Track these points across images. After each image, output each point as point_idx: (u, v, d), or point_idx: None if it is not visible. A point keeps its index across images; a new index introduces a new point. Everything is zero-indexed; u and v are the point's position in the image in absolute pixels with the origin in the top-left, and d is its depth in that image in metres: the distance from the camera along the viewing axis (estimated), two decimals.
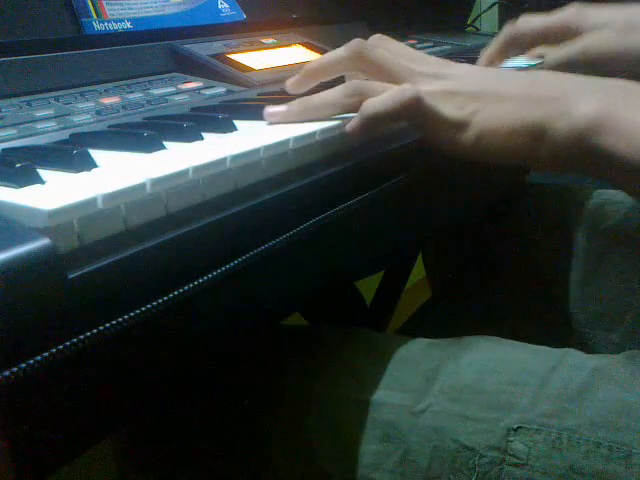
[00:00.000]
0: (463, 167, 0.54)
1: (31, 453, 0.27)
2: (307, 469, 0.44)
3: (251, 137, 0.40)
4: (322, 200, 0.38)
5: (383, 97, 0.41)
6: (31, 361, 0.24)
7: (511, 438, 0.39)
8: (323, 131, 0.41)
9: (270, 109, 0.44)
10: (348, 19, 0.83)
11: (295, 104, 0.44)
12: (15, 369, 0.24)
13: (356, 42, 0.45)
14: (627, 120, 0.37)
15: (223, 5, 0.68)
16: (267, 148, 0.36)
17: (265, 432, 0.46)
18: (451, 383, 0.42)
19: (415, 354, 0.46)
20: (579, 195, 0.73)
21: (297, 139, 0.38)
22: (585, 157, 0.39)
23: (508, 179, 0.75)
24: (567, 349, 0.45)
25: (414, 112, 0.42)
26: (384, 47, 0.47)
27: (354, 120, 0.41)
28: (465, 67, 0.46)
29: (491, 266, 0.78)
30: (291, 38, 0.71)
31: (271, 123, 0.44)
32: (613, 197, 0.69)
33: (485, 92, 0.42)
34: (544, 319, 0.72)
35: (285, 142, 0.38)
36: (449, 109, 0.42)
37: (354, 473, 0.42)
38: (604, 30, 0.56)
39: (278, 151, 0.37)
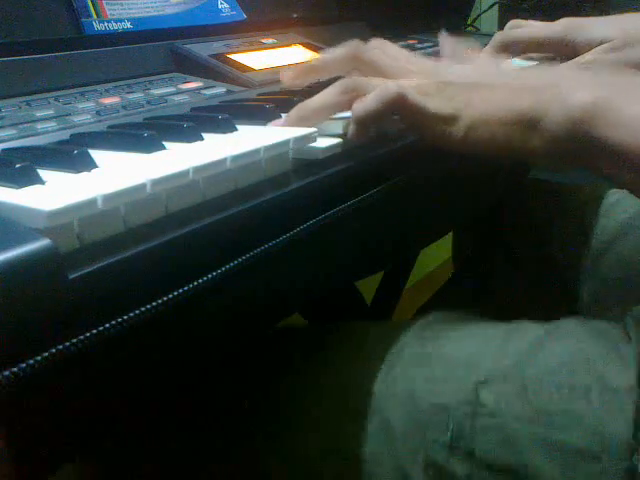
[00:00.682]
0: (463, 167, 0.54)
1: (31, 453, 0.27)
2: (300, 466, 0.45)
3: (251, 137, 0.40)
4: (322, 200, 0.38)
5: (369, 97, 0.42)
6: (31, 361, 0.24)
7: (480, 391, 0.40)
8: (323, 131, 0.41)
9: (271, 124, 0.45)
10: (348, 19, 0.83)
11: (293, 113, 0.44)
12: (15, 369, 0.24)
13: (354, 43, 0.46)
14: (624, 111, 0.36)
15: (223, 5, 0.68)
16: (267, 148, 0.36)
17: (258, 433, 0.46)
18: (418, 352, 0.44)
19: (384, 333, 0.47)
20: (595, 191, 0.73)
21: (297, 139, 0.38)
22: (579, 147, 0.38)
23: (509, 177, 0.76)
24: (521, 320, 0.47)
25: (399, 108, 0.42)
26: (382, 49, 0.47)
27: (351, 126, 0.42)
28: (460, 67, 0.46)
29: (491, 263, 0.78)
30: (291, 38, 0.71)
31: None
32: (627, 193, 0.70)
33: (476, 84, 0.42)
34: (549, 297, 0.72)
35: (285, 142, 0.38)
36: (436, 103, 0.42)
37: (341, 456, 0.43)
38: (597, 49, 0.56)
39: (278, 151, 0.37)
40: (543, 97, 0.39)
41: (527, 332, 0.44)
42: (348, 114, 0.43)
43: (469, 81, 0.42)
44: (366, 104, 0.41)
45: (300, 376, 0.47)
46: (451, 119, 0.41)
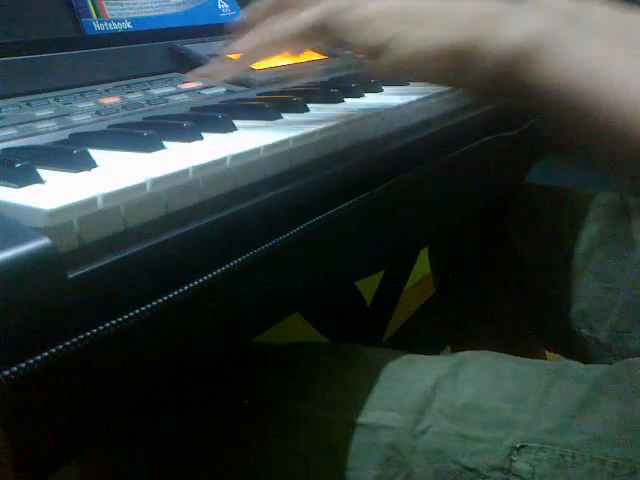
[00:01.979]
0: (462, 167, 0.54)
1: (31, 453, 0.27)
2: None
3: (251, 137, 0.40)
4: (322, 200, 0.38)
5: (291, 21, 0.40)
6: (31, 361, 0.24)
7: (514, 457, 0.38)
8: (322, 131, 0.41)
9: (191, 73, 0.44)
10: None
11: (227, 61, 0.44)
12: (15, 369, 0.24)
13: None
14: (565, 47, 0.34)
15: (223, 5, 0.68)
16: (267, 148, 0.36)
17: (262, 459, 0.45)
18: (450, 402, 0.42)
19: (412, 373, 0.45)
20: (573, 196, 0.73)
21: (297, 139, 0.38)
22: (518, 79, 0.35)
23: (507, 180, 0.76)
24: (565, 361, 0.45)
25: (324, 35, 0.40)
26: None
27: (265, 38, 0.41)
28: None
29: (490, 266, 0.78)
30: None
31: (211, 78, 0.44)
32: (602, 199, 0.70)
33: (416, 12, 0.38)
34: (537, 319, 0.72)
35: (285, 142, 0.38)
36: (363, 36, 0.39)
37: None
38: None
39: (278, 151, 0.37)
40: (478, 31, 0.36)
41: (571, 385, 0.41)
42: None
43: (406, 9, 0.39)
44: (289, 26, 0.40)
45: (316, 403, 0.45)
46: (380, 51, 0.38)
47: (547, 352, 0.88)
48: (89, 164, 0.33)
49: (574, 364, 0.45)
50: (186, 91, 0.55)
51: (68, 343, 0.25)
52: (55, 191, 0.29)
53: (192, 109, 0.51)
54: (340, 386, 0.45)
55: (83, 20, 0.56)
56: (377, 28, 0.38)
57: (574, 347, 0.67)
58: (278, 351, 0.51)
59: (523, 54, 0.34)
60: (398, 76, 0.40)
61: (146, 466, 0.50)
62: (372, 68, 0.40)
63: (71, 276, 0.26)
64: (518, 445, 0.38)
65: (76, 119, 0.46)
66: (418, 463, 0.40)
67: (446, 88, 0.50)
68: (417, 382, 0.44)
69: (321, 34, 0.40)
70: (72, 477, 0.50)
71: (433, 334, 0.82)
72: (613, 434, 0.38)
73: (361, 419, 0.42)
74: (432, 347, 0.77)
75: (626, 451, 0.37)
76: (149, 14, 0.61)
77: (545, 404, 0.40)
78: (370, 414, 0.42)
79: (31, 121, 0.45)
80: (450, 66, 0.37)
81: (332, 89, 0.52)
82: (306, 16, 0.39)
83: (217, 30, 0.66)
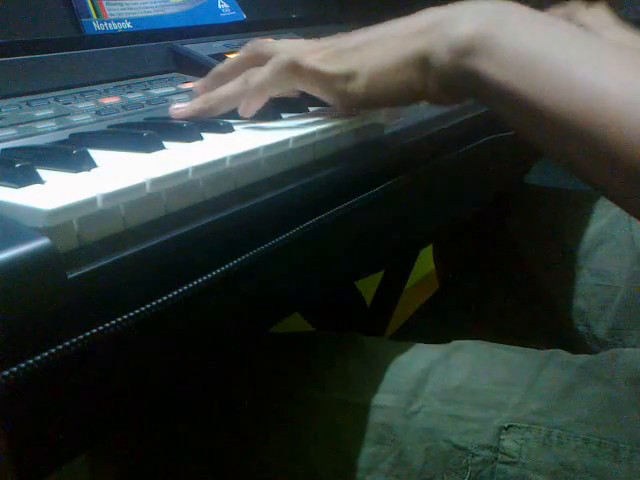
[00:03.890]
0: (462, 168, 0.54)
1: (31, 453, 0.27)
2: (302, 474, 0.44)
3: (250, 137, 0.40)
4: (322, 200, 0.38)
5: (263, 69, 0.42)
6: (31, 361, 0.24)
7: (503, 437, 0.39)
8: (322, 131, 0.41)
9: (175, 106, 0.45)
10: (347, 19, 0.83)
11: (197, 102, 0.44)
12: (15, 369, 0.24)
13: (251, 42, 0.46)
14: (500, 42, 0.35)
15: (223, 5, 0.68)
16: (267, 148, 0.36)
17: (260, 438, 0.46)
18: (442, 384, 0.43)
19: (406, 357, 0.46)
20: (573, 196, 0.73)
21: (296, 139, 0.38)
22: (466, 80, 0.37)
23: (507, 180, 0.76)
24: (554, 350, 0.46)
25: (296, 76, 0.41)
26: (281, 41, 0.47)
27: (244, 101, 0.42)
28: (355, 32, 0.45)
29: (490, 265, 0.78)
30: (291, 38, 0.71)
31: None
32: (602, 199, 0.70)
33: (368, 40, 0.42)
34: (537, 317, 0.73)
35: (284, 142, 0.38)
36: (333, 66, 0.41)
37: (349, 477, 0.42)
38: None
39: (277, 151, 0.37)
40: (430, 36, 0.38)
41: (559, 370, 0.43)
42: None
43: (360, 40, 0.42)
44: (262, 73, 0.41)
45: (313, 385, 0.46)
46: (349, 76, 0.41)
47: None
48: (89, 164, 0.33)
49: (563, 352, 0.46)
50: (186, 91, 0.55)
51: (68, 343, 0.25)
52: (55, 191, 0.29)
53: None
54: (337, 369, 0.47)
55: (83, 20, 0.56)
56: (346, 57, 0.42)
57: (572, 344, 0.67)
58: (278, 338, 0.51)
59: (470, 48, 0.36)
60: (370, 101, 0.42)
61: (152, 461, 0.50)
62: (345, 98, 0.42)
63: (71, 276, 0.26)
64: (506, 425, 0.40)
65: (76, 119, 0.46)
66: (410, 442, 0.41)
67: None
68: (411, 366, 0.45)
69: (293, 76, 0.41)
70: (81, 475, 0.50)
71: (433, 333, 0.82)
72: (597, 416, 0.39)
73: (356, 399, 0.44)
74: None
75: (609, 431, 0.38)
76: (149, 14, 0.61)
77: (533, 387, 0.42)
78: (365, 395, 0.44)
79: (31, 121, 0.45)
80: (414, 73, 0.39)
81: None
82: (278, 59, 0.41)
83: (217, 30, 0.66)
